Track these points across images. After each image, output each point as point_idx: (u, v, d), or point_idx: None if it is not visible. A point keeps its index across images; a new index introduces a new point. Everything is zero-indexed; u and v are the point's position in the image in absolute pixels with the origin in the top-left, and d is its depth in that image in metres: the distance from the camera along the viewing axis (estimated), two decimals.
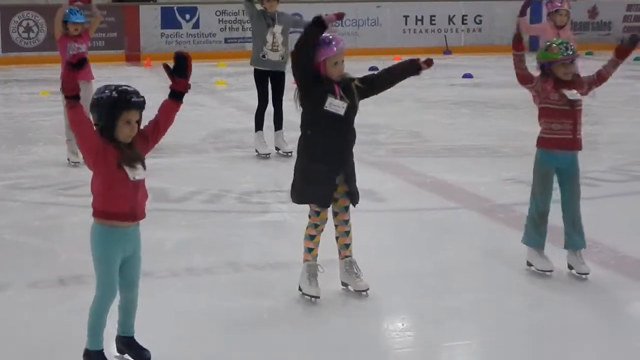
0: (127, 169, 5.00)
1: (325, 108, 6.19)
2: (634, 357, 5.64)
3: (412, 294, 6.67)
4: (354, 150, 6.49)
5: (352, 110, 6.30)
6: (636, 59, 24.98)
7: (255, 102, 11.79)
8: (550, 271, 6.84)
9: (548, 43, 6.86)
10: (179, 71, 5.27)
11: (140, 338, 5.37)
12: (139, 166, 5.06)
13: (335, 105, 6.21)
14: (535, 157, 6.88)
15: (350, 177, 6.41)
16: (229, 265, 7.42)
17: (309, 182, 6.34)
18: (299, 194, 6.45)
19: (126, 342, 5.37)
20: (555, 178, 6.86)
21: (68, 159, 11.24)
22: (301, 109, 6.38)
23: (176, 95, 5.26)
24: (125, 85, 5.09)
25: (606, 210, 8.93)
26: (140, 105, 5.04)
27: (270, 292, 6.74)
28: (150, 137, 5.19)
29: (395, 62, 6.51)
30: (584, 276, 6.82)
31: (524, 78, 6.84)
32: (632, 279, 7.04)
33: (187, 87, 5.28)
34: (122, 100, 4.97)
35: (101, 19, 12.22)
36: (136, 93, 5.05)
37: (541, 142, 6.82)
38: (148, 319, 5.48)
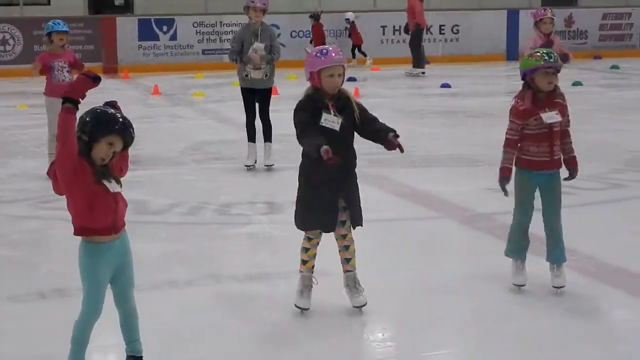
0: (105, 182, 4.99)
1: (321, 124, 6.15)
2: None
3: (394, 304, 6.69)
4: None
5: (349, 128, 6.26)
6: (612, 67, 25.23)
7: (234, 114, 11.79)
8: (523, 285, 6.85)
9: (533, 50, 6.87)
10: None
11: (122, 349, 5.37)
12: (113, 181, 5.05)
13: (330, 120, 6.17)
14: (515, 175, 6.88)
15: (351, 199, 6.37)
16: (210, 277, 7.42)
17: (310, 208, 6.32)
18: (303, 221, 6.41)
19: None
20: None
21: (47, 174, 11.18)
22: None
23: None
24: (116, 111, 5.01)
25: (585, 218, 8.97)
26: (129, 136, 4.97)
27: (252, 303, 6.75)
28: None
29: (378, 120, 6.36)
30: (558, 290, 6.83)
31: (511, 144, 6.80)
32: (611, 286, 7.07)
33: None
34: (115, 124, 4.92)
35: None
36: (130, 124, 4.99)
37: (520, 163, 6.81)
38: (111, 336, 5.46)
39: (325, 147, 5.93)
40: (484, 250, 7.94)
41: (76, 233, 5.07)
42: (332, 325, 6.32)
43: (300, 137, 6.22)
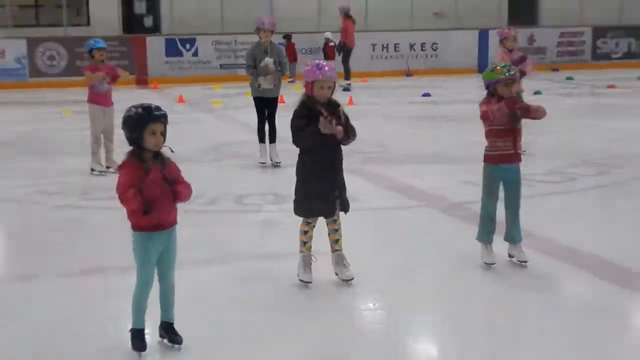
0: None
1: (319, 127, 6.14)
2: (569, 326, 5.70)
3: (383, 279, 6.71)
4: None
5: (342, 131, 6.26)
6: (568, 78, 25.22)
7: (248, 119, 11.78)
8: (493, 264, 6.88)
9: (493, 65, 6.90)
10: None
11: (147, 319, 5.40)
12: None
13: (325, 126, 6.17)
14: (483, 170, 6.91)
15: (341, 189, 6.43)
16: (227, 257, 7.44)
17: (311, 198, 6.35)
18: (306, 210, 6.44)
19: (165, 327, 5.41)
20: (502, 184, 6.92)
21: (92, 169, 11.21)
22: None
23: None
24: (148, 103, 5.14)
25: (543, 207, 8.99)
26: (162, 118, 5.08)
27: (263, 279, 6.77)
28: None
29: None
30: (524, 263, 6.89)
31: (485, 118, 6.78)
32: (567, 264, 7.09)
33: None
34: (147, 115, 5.03)
35: (129, 76, 12.27)
36: (157, 108, 5.10)
37: (488, 158, 6.84)
38: (155, 305, 5.48)
39: (322, 119, 6.07)
40: (459, 233, 7.94)
41: (133, 228, 5.18)
42: (330, 296, 6.36)
43: (295, 138, 6.31)
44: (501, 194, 6.93)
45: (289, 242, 7.05)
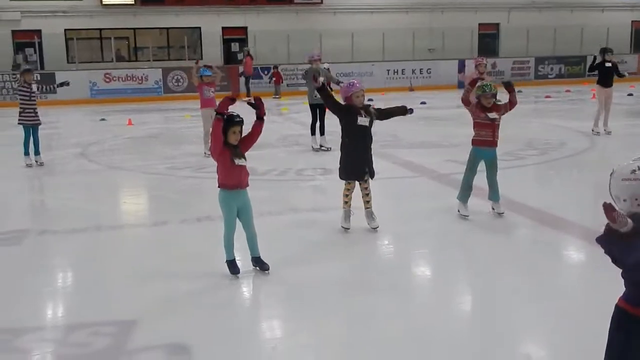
0: (235, 159, 5.01)
1: (358, 123, 6.11)
2: (536, 271, 5.61)
3: (393, 225, 6.65)
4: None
5: (371, 124, 6.22)
6: (518, 91, 24.73)
7: (303, 120, 11.72)
8: (467, 216, 6.74)
9: (480, 85, 6.76)
10: (257, 106, 5.19)
11: (237, 251, 5.39)
12: (242, 159, 5.08)
13: (363, 120, 6.14)
14: (470, 151, 6.78)
15: (369, 162, 6.32)
16: (290, 210, 7.42)
17: (349, 167, 6.27)
18: (345, 175, 6.34)
19: (255, 259, 5.34)
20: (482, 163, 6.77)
21: (205, 152, 11.17)
22: (340, 125, 6.29)
23: (259, 117, 5.20)
24: (233, 113, 5.04)
25: (507, 177, 8.83)
26: (240, 123, 5.01)
27: (316, 226, 6.75)
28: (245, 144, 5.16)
29: (393, 106, 6.41)
30: (501, 214, 6.79)
31: (464, 101, 6.74)
32: (517, 215, 6.96)
33: (263, 113, 5.19)
34: (230, 120, 4.97)
35: (221, 74, 12.15)
36: (238, 116, 5.02)
37: (474, 142, 6.73)
38: (242, 240, 5.48)
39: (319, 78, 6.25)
40: (445, 195, 7.86)
41: (219, 186, 5.11)
42: (360, 237, 6.31)
43: (325, 101, 6.22)
44: (482, 168, 6.79)
45: (333, 200, 7.02)
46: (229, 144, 5.00)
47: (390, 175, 9.25)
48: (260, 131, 5.21)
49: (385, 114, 6.38)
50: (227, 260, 5.27)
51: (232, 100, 4.97)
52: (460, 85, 27.51)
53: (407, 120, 17.37)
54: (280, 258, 5.65)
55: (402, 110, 6.37)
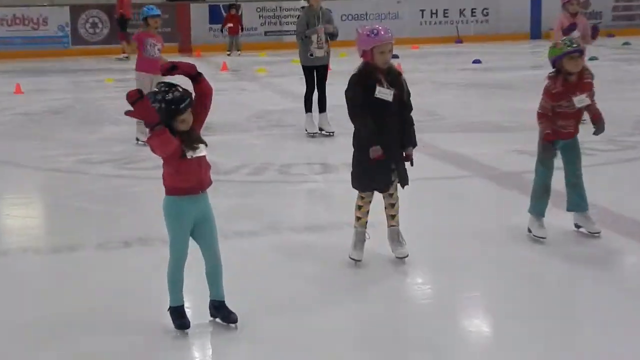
0: (188, 152, 4.99)
1: (375, 96, 6.05)
2: (626, 301, 5.61)
3: (431, 252, 6.65)
4: None
5: (399, 100, 6.15)
6: (624, 43, 24.85)
7: (293, 88, 11.75)
8: (544, 238, 6.73)
9: (553, 42, 6.75)
10: (174, 67, 5.15)
11: (187, 290, 5.38)
12: (201, 145, 5.06)
13: (384, 92, 6.07)
14: (538, 144, 6.76)
15: (399, 161, 6.26)
16: (271, 229, 7.41)
17: (366, 172, 6.20)
18: (361, 184, 6.30)
19: (216, 306, 5.30)
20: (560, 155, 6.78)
21: (137, 139, 11.16)
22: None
23: (194, 79, 5.10)
24: (173, 92, 4.94)
25: (602, 176, 8.85)
26: (189, 105, 4.95)
27: (309, 251, 6.74)
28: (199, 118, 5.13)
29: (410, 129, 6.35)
30: (596, 234, 6.77)
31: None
32: (623, 236, 6.97)
33: (192, 69, 5.08)
34: (174, 109, 4.90)
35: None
36: (181, 97, 4.92)
37: (545, 136, 6.65)
38: (198, 273, 5.46)
39: (375, 147, 5.97)
40: (509, 204, 7.86)
41: (168, 193, 5.10)
42: (378, 271, 6.29)
43: (352, 116, 6.17)
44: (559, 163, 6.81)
45: (335, 214, 7.03)
46: (178, 132, 4.97)
47: (426, 174, 9.20)
48: (210, 88, 5.14)
49: (401, 119, 6.28)
50: (170, 307, 5.25)
51: (140, 95, 4.88)
52: (535, 36, 27.57)
53: (450, 89, 17.54)
54: (255, 304, 5.61)
55: (404, 146, 6.29)
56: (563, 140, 6.70)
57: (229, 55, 24.40)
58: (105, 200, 8.60)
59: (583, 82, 6.56)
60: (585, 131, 6.84)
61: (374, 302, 5.74)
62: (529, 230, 6.85)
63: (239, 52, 24.83)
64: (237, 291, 5.53)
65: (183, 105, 4.93)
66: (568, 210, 6.91)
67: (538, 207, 6.85)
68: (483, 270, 6.32)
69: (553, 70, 6.63)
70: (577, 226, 6.90)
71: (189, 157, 4.99)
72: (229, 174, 9.53)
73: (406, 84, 6.25)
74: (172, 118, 4.91)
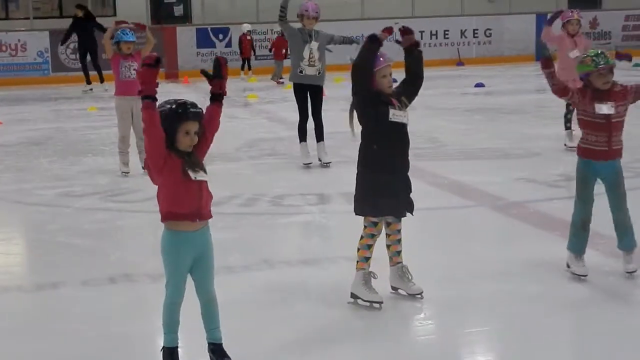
0: (189, 171, 4.97)
1: (390, 120, 6.05)
2: None
3: (433, 287, 6.60)
4: None
5: (407, 120, 6.21)
6: (635, 65, 24.93)
7: (286, 115, 11.76)
8: (585, 276, 6.57)
9: (584, 55, 6.62)
10: (216, 73, 5.24)
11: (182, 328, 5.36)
12: (200, 171, 5.05)
13: (398, 115, 6.10)
14: (577, 164, 6.65)
15: (409, 186, 6.26)
16: (264, 263, 7.41)
17: (380, 195, 6.08)
18: (372, 208, 6.13)
19: (212, 349, 5.23)
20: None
21: (122, 171, 11.16)
22: (361, 127, 6.20)
23: (215, 98, 5.20)
24: (183, 99, 5.03)
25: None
26: (198, 116, 4.98)
27: (304, 287, 6.74)
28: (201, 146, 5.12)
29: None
30: (627, 274, 6.61)
31: (559, 91, 6.56)
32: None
33: (223, 87, 5.18)
34: (181, 113, 4.92)
35: (155, 42, 12.11)
36: (193, 105, 4.99)
37: (580, 151, 6.59)
38: (189, 312, 5.46)
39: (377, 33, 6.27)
40: (517, 236, 7.86)
41: (163, 219, 5.01)
42: (387, 312, 6.19)
43: (355, 64, 6.23)
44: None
45: (332, 247, 7.02)
46: (178, 151, 4.95)
47: (428, 204, 9.23)
48: (219, 121, 5.17)
49: (405, 83, 6.45)
50: (164, 348, 5.19)
51: (157, 62, 4.89)
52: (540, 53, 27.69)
53: (452, 114, 17.54)
54: (250, 347, 5.61)
55: (405, 54, 6.55)
56: (600, 164, 6.49)
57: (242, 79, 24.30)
58: (88, 235, 8.60)
59: (612, 91, 6.45)
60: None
61: (377, 342, 5.72)
62: (568, 266, 6.71)
63: (251, 74, 24.67)
64: (232, 335, 5.52)
65: (192, 109, 4.94)
66: (618, 247, 6.71)
67: (577, 245, 6.67)
68: (489, 305, 6.32)
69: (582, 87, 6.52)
70: (630, 271, 6.66)
71: (192, 177, 4.95)
72: (218, 205, 9.48)
73: (405, 100, 6.34)
74: (177, 122, 4.89)
